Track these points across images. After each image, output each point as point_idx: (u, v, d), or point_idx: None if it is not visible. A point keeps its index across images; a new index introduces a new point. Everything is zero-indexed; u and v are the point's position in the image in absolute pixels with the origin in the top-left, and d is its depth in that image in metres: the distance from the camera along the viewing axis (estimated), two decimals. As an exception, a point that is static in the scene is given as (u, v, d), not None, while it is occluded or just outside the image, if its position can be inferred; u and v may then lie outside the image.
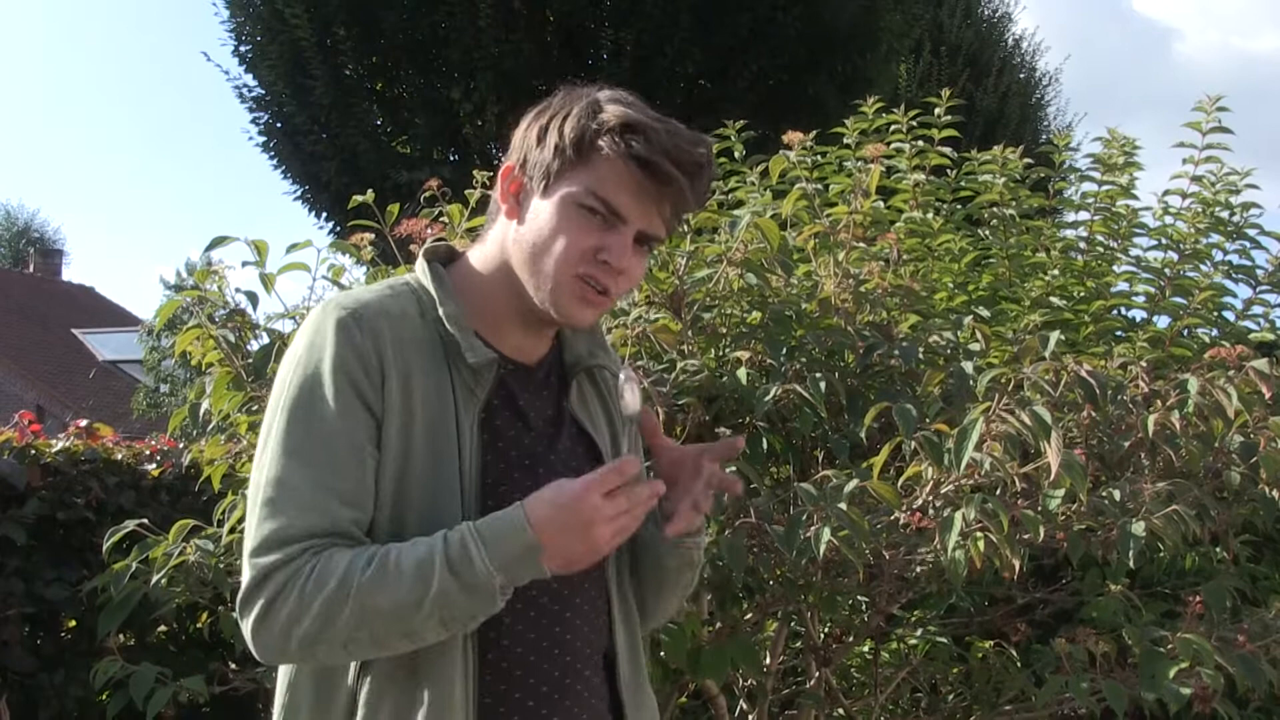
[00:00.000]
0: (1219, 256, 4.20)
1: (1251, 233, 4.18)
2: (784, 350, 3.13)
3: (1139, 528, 2.76)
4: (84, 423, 4.70)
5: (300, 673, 1.82)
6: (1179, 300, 3.99)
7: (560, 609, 1.86)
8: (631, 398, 1.86)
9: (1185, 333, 3.94)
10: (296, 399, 1.75)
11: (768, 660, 3.51)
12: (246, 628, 1.71)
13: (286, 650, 1.70)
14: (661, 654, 3.07)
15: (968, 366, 3.06)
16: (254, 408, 3.26)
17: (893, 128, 4.31)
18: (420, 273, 1.91)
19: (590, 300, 1.82)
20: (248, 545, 1.72)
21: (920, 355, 3.20)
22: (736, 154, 4.37)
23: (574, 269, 1.79)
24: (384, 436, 1.76)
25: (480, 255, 1.92)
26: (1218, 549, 3.48)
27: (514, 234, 1.86)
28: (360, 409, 1.74)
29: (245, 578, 1.71)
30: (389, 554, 1.67)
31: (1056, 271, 4.11)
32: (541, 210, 1.81)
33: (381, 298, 1.84)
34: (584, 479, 1.67)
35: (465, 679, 1.76)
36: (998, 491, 2.83)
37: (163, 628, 4.60)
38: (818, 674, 3.50)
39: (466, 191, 3.51)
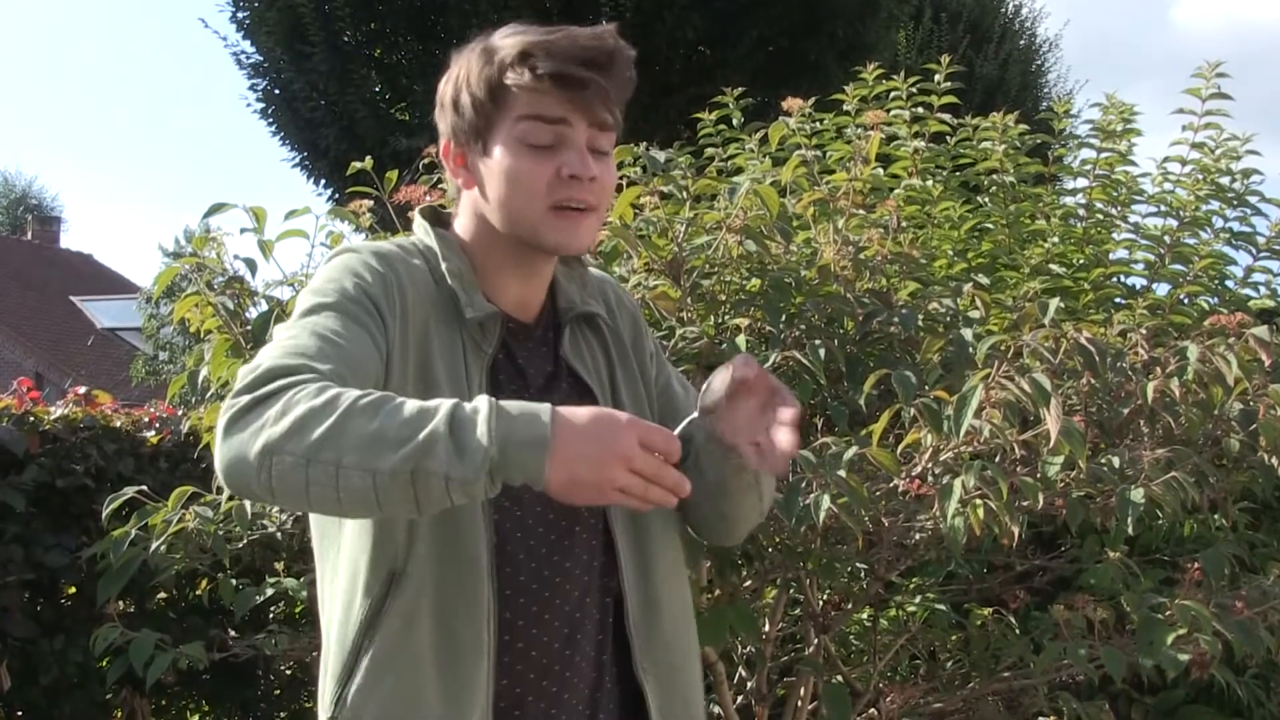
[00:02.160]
0: (1219, 223, 4.19)
1: (1252, 199, 4.17)
2: (783, 317, 3.13)
3: (1138, 495, 2.76)
4: (83, 390, 4.70)
5: (331, 627, 1.79)
6: (1179, 267, 3.99)
7: (560, 560, 1.84)
8: (719, 385, 1.72)
9: (1185, 300, 3.94)
10: (315, 294, 1.74)
11: (766, 627, 3.52)
12: (219, 427, 1.56)
13: (246, 456, 1.52)
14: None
15: (967, 334, 3.06)
16: (252, 375, 3.25)
17: (892, 94, 4.29)
18: (423, 232, 1.92)
19: (576, 224, 1.81)
20: (248, 371, 1.61)
21: (919, 322, 3.20)
22: (735, 121, 4.35)
23: (547, 201, 1.78)
24: (390, 366, 1.73)
25: (462, 227, 1.92)
26: (1216, 516, 3.48)
27: (479, 200, 1.86)
28: (374, 321, 1.72)
29: (232, 392, 1.59)
30: (390, 394, 1.56)
31: (1056, 239, 4.11)
32: (490, 166, 1.81)
33: (396, 251, 1.85)
34: (632, 418, 1.57)
35: (488, 663, 1.74)
36: (997, 459, 2.84)
37: (162, 594, 4.61)
38: (816, 641, 3.51)
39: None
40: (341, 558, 1.79)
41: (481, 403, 1.54)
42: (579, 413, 1.56)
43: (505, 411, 1.53)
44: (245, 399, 1.56)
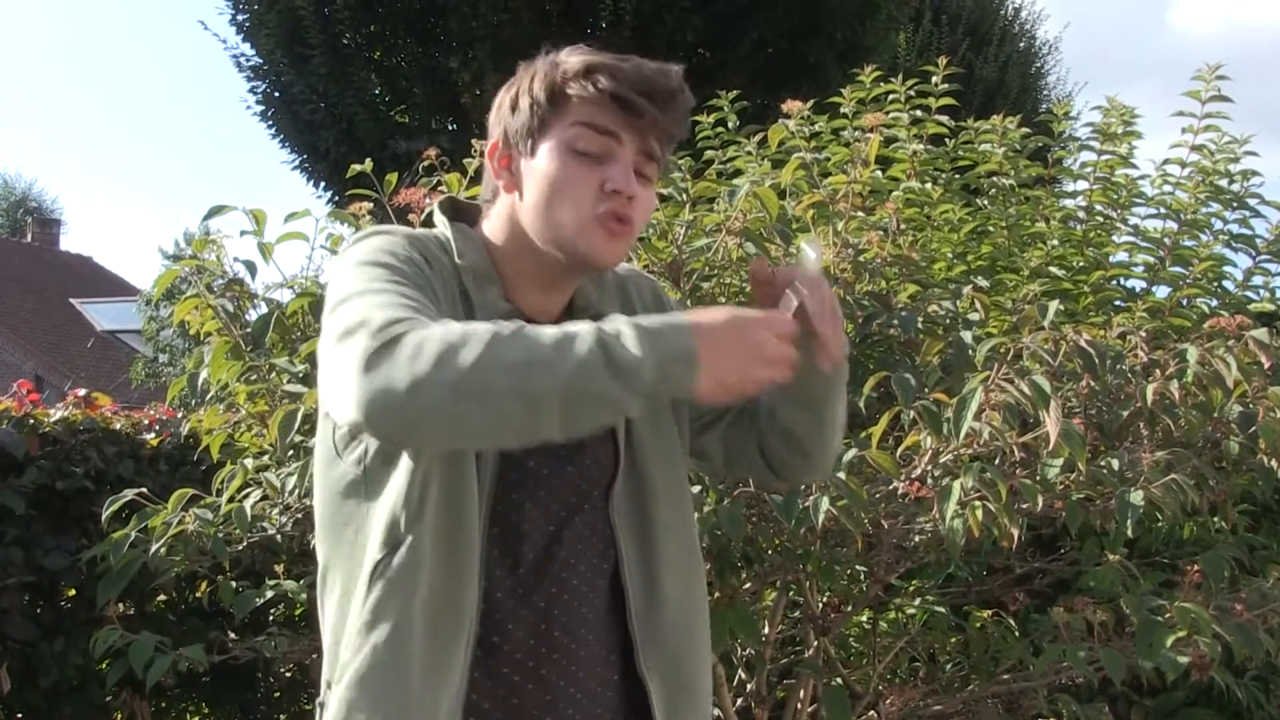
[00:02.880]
0: (1218, 226, 4.18)
1: (1251, 202, 4.17)
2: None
3: (1137, 497, 2.76)
4: (82, 392, 4.70)
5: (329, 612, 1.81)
6: (1178, 270, 3.99)
7: (565, 556, 1.84)
8: (814, 255, 1.78)
9: (1184, 302, 3.93)
10: (366, 259, 1.71)
11: (766, 629, 3.52)
12: (354, 368, 1.54)
13: (393, 388, 1.51)
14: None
15: (966, 336, 3.06)
16: (252, 377, 3.26)
17: (891, 97, 4.29)
18: (441, 225, 1.91)
19: (614, 233, 1.79)
20: (360, 336, 1.56)
21: (919, 325, 3.20)
22: (730, 124, 4.35)
23: (590, 210, 1.78)
24: None
25: (490, 229, 1.91)
26: (1216, 518, 3.49)
27: (518, 204, 1.85)
28: (425, 284, 1.73)
29: (332, 352, 1.59)
30: (524, 325, 1.56)
31: (1055, 241, 4.11)
32: (535, 169, 1.81)
33: (426, 235, 1.86)
34: (761, 316, 1.62)
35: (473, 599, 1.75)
36: (996, 461, 2.84)
37: (162, 597, 4.60)
38: (816, 643, 3.51)
39: (465, 161, 3.51)
40: (358, 539, 1.80)
41: (621, 323, 1.56)
42: (716, 320, 1.59)
43: (650, 329, 1.55)
44: (374, 342, 1.54)
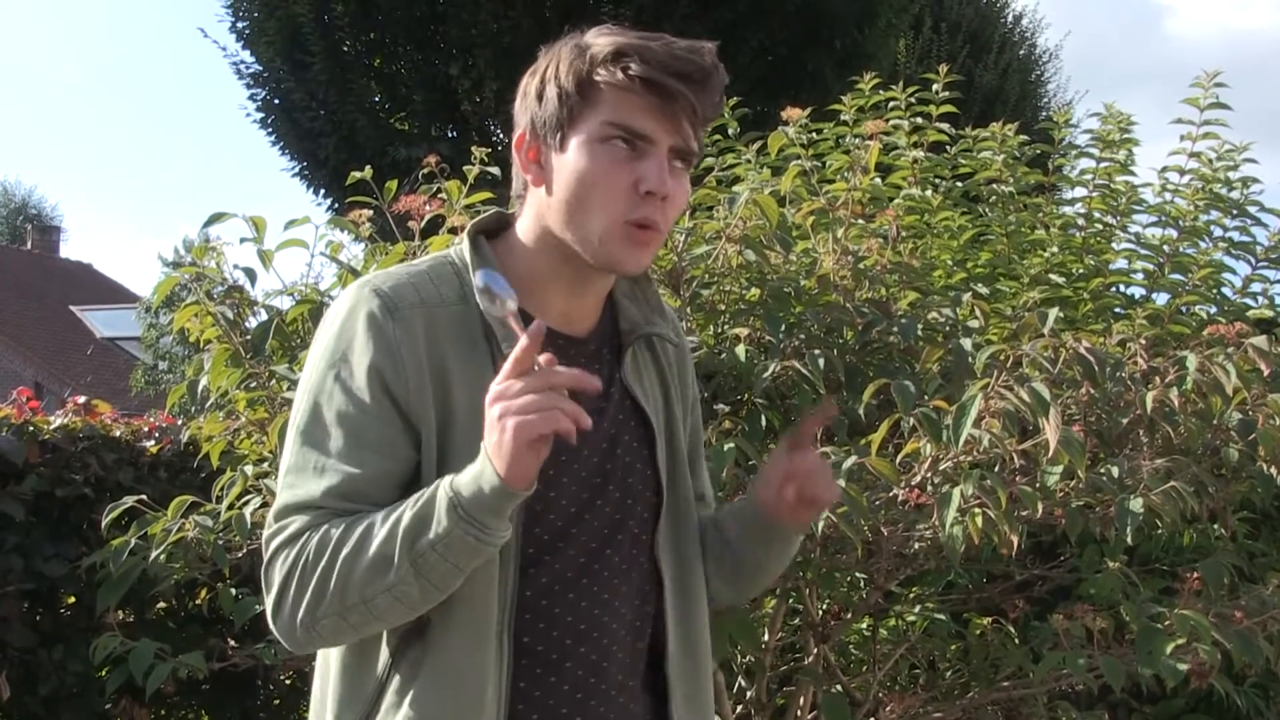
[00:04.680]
0: (1218, 233, 4.19)
1: (1251, 209, 4.17)
2: (782, 327, 3.13)
3: (1137, 504, 2.76)
4: (82, 399, 4.70)
5: (331, 663, 1.78)
6: (1178, 277, 3.99)
7: (599, 591, 1.80)
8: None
9: (1184, 309, 3.94)
10: (320, 386, 1.70)
11: (766, 637, 3.52)
12: (269, 620, 1.70)
13: (295, 634, 1.66)
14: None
15: (966, 343, 3.06)
16: (252, 384, 3.26)
17: (891, 104, 4.30)
18: (467, 249, 1.82)
19: (641, 241, 1.73)
20: (266, 523, 1.72)
21: (919, 332, 3.20)
22: (730, 131, 4.36)
23: (621, 214, 1.71)
24: (423, 441, 1.70)
25: (522, 228, 1.83)
26: (1215, 526, 3.48)
27: (547, 200, 1.77)
28: (390, 407, 1.68)
29: (264, 562, 1.70)
30: (372, 520, 1.62)
31: (1055, 248, 4.11)
32: (565, 164, 1.73)
33: (417, 281, 1.76)
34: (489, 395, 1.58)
35: (499, 672, 1.70)
36: (996, 468, 2.84)
37: (161, 604, 4.60)
38: (816, 650, 3.51)
39: (465, 168, 3.51)
40: None
41: (438, 498, 1.60)
42: (489, 429, 1.57)
43: (456, 479, 1.59)
44: (271, 599, 1.67)
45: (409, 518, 1.59)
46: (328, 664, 1.79)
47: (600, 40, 1.73)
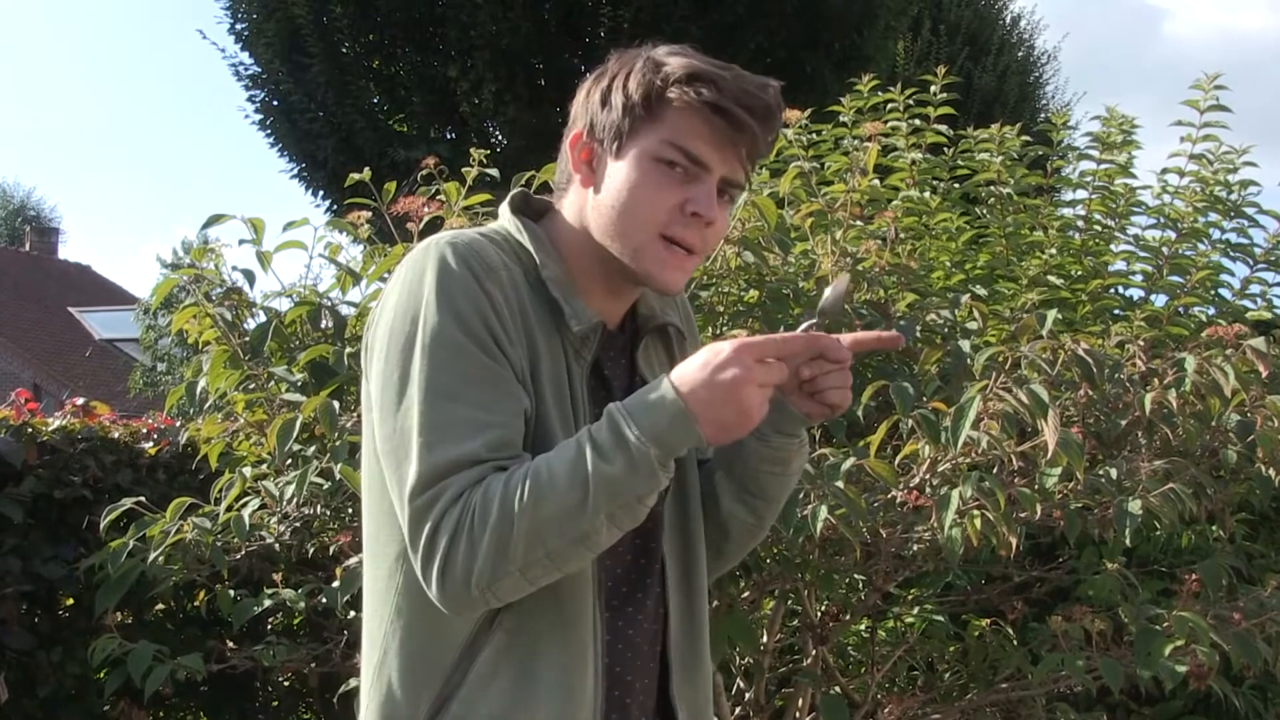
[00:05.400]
0: (1216, 235, 4.19)
1: (1249, 211, 4.18)
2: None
3: (1135, 506, 2.76)
4: (81, 401, 4.69)
5: (388, 638, 1.75)
6: (1176, 279, 3.99)
7: (628, 607, 1.82)
8: (832, 294, 1.76)
9: (1182, 311, 3.94)
10: (437, 337, 1.66)
11: (765, 638, 3.52)
12: (432, 590, 1.63)
13: (471, 597, 1.61)
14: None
15: (965, 345, 3.06)
16: (250, 386, 3.26)
17: (889, 106, 4.30)
18: (514, 229, 1.83)
19: (678, 265, 1.76)
20: (406, 488, 1.63)
21: (917, 333, 3.20)
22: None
23: (659, 228, 1.73)
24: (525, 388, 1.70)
25: (561, 225, 1.85)
26: (1214, 527, 3.49)
27: (592, 201, 1.79)
28: (503, 357, 1.67)
29: (410, 528, 1.63)
30: (539, 467, 1.60)
31: (1054, 250, 4.11)
32: (618, 172, 1.75)
33: (493, 244, 1.77)
34: (738, 343, 1.62)
35: (595, 652, 1.73)
36: (994, 470, 2.84)
37: (160, 606, 4.59)
38: (815, 652, 3.51)
39: (464, 169, 3.51)
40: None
41: (610, 414, 1.60)
42: (692, 370, 1.61)
43: (636, 411, 1.60)
44: (436, 564, 1.61)
45: (603, 465, 1.58)
46: (386, 638, 1.76)
47: (675, 60, 1.76)
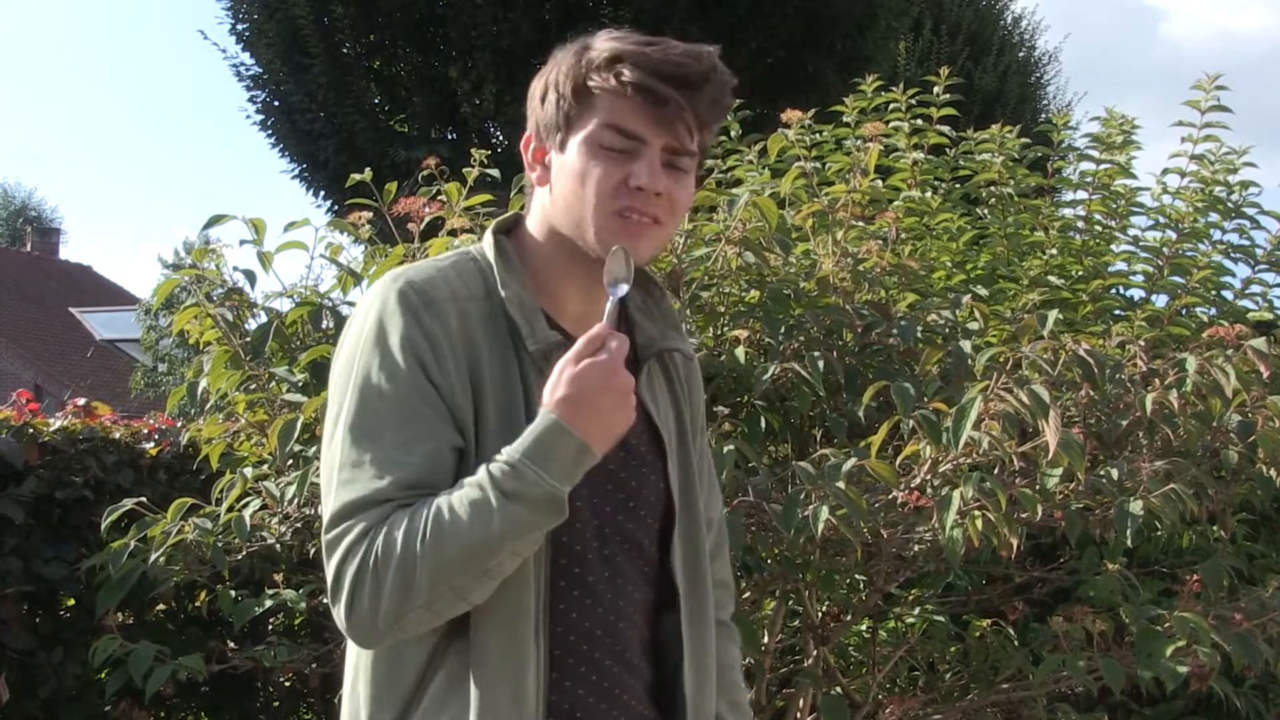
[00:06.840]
0: (1217, 235, 4.20)
1: (1250, 211, 4.18)
2: (782, 329, 3.13)
3: (1136, 506, 2.76)
4: (82, 401, 4.69)
5: (360, 661, 1.79)
6: (1177, 279, 3.99)
7: (614, 597, 1.83)
8: (611, 264, 1.78)
9: (1183, 312, 3.94)
10: (365, 379, 1.72)
11: (765, 639, 3.52)
12: (340, 623, 1.69)
13: (378, 631, 1.67)
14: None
15: (966, 345, 3.06)
16: (252, 386, 3.26)
17: (891, 106, 4.30)
18: (489, 247, 1.87)
19: (635, 231, 1.77)
20: (325, 522, 1.71)
21: (918, 334, 3.20)
22: (733, 133, 4.36)
23: (611, 208, 1.76)
24: (463, 430, 1.73)
25: (532, 226, 1.89)
26: (1215, 528, 3.48)
27: (548, 198, 1.84)
28: (435, 395, 1.71)
29: (325, 562, 1.70)
30: (440, 508, 1.64)
31: (1055, 250, 4.11)
32: (564, 164, 1.79)
33: (446, 275, 1.80)
34: (566, 356, 1.69)
35: (537, 672, 1.73)
36: (995, 470, 2.84)
37: (161, 606, 4.59)
38: (815, 652, 3.51)
39: (464, 170, 3.51)
40: None
41: (517, 463, 1.65)
42: (561, 389, 1.67)
43: (540, 451, 1.65)
44: (343, 599, 1.67)
45: (496, 498, 1.63)
46: (357, 663, 1.80)
47: (600, 45, 1.78)
